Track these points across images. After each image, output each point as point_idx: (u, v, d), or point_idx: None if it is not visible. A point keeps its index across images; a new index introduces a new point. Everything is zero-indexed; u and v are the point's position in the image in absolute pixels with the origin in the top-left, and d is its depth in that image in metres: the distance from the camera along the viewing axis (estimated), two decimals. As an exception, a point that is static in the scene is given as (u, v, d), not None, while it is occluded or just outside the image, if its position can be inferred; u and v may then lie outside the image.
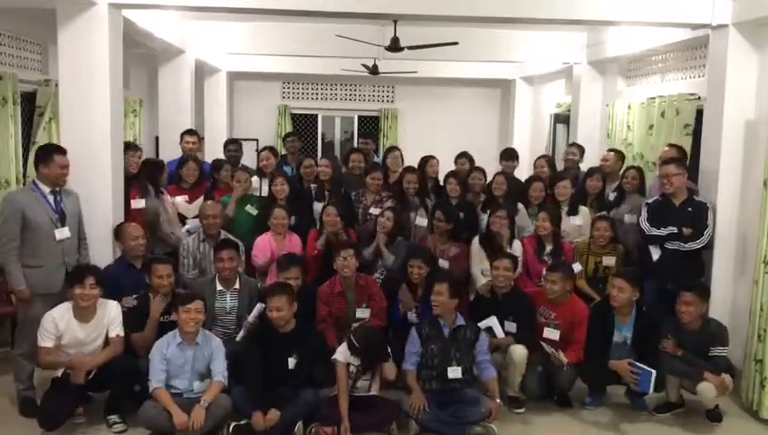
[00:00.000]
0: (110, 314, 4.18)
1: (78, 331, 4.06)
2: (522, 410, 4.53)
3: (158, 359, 4.05)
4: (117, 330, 4.19)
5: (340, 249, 4.71)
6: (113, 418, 4.14)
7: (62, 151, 4.40)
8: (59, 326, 4.01)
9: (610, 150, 6.50)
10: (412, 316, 4.79)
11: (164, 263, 4.47)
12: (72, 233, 4.40)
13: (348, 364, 4.19)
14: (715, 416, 4.49)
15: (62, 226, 4.32)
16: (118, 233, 4.81)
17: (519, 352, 4.50)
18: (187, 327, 4.08)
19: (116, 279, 4.56)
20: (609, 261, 5.17)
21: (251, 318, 4.49)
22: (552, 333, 4.60)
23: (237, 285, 4.68)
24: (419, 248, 5.06)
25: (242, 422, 3.98)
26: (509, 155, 6.58)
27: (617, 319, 4.56)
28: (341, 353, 4.21)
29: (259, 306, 4.45)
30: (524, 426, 4.39)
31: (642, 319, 4.53)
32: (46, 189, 4.31)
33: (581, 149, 6.84)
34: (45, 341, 4.01)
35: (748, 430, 4.43)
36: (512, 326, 4.65)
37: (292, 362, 4.13)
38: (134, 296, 4.45)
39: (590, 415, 4.57)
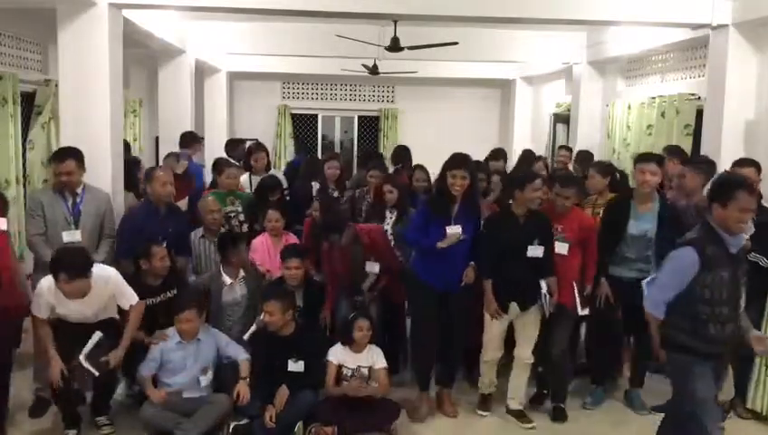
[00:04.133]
0: (109, 286, 3.91)
1: (71, 305, 3.87)
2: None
3: (155, 352, 4.06)
4: (131, 300, 4.00)
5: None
6: (101, 420, 4.08)
7: (58, 157, 4.30)
8: (49, 300, 3.83)
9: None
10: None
11: (159, 245, 4.36)
12: (89, 234, 4.30)
13: (340, 366, 4.20)
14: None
15: (76, 227, 4.26)
16: (148, 176, 4.69)
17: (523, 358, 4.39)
18: (186, 336, 4.10)
19: (138, 223, 4.53)
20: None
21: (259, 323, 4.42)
22: (562, 248, 4.26)
23: (242, 273, 4.66)
24: (460, 157, 4.24)
25: (242, 422, 3.98)
26: (494, 155, 6.64)
27: (633, 209, 4.24)
28: (334, 354, 4.22)
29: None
30: (523, 425, 4.38)
31: (667, 210, 4.22)
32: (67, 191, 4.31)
33: (571, 151, 7.04)
34: (39, 311, 3.85)
35: (748, 431, 4.42)
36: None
37: (292, 364, 4.13)
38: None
39: (589, 414, 4.55)
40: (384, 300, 4.81)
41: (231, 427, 3.95)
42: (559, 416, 4.36)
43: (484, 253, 4.21)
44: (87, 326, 3.93)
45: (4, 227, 4.01)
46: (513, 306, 4.20)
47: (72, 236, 4.24)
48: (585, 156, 6.53)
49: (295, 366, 4.11)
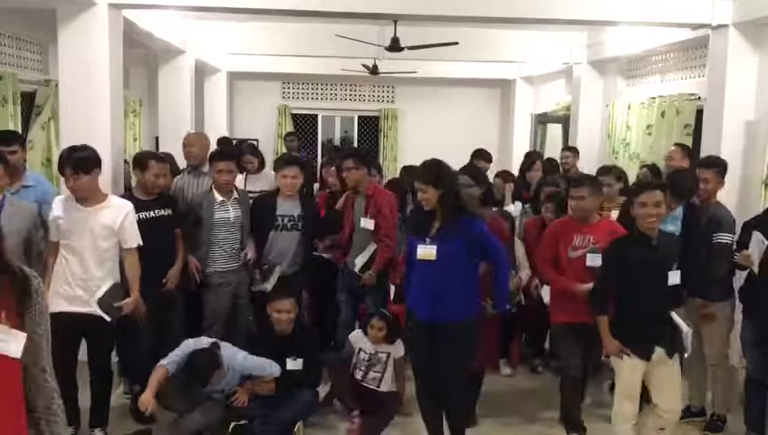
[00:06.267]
0: (123, 212, 3.80)
1: (77, 211, 3.67)
2: None
3: (182, 349, 4.00)
4: (133, 240, 3.83)
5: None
6: (97, 432, 3.94)
7: None
8: (57, 220, 3.67)
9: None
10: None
11: (159, 160, 4.32)
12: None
13: (359, 349, 4.33)
14: (714, 427, 4.21)
15: None
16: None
17: None
18: None
19: None
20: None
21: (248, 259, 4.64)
22: (595, 259, 3.79)
23: (236, 195, 4.70)
24: (420, 167, 3.69)
25: (242, 422, 3.99)
26: (481, 156, 6.48)
27: None
28: (354, 337, 4.41)
29: (244, 254, 4.62)
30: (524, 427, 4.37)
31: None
32: None
33: (576, 152, 6.84)
34: (53, 236, 3.75)
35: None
36: None
37: (290, 362, 4.15)
38: None
39: (590, 416, 4.53)
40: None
41: (231, 427, 3.95)
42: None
43: (603, 281, 3.58)
44: (85, 322, 3.71)
45: (15, 353, 2.13)
46: (659, 352, 3.50)
47: None
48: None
49: (294, 364, 4.15)
